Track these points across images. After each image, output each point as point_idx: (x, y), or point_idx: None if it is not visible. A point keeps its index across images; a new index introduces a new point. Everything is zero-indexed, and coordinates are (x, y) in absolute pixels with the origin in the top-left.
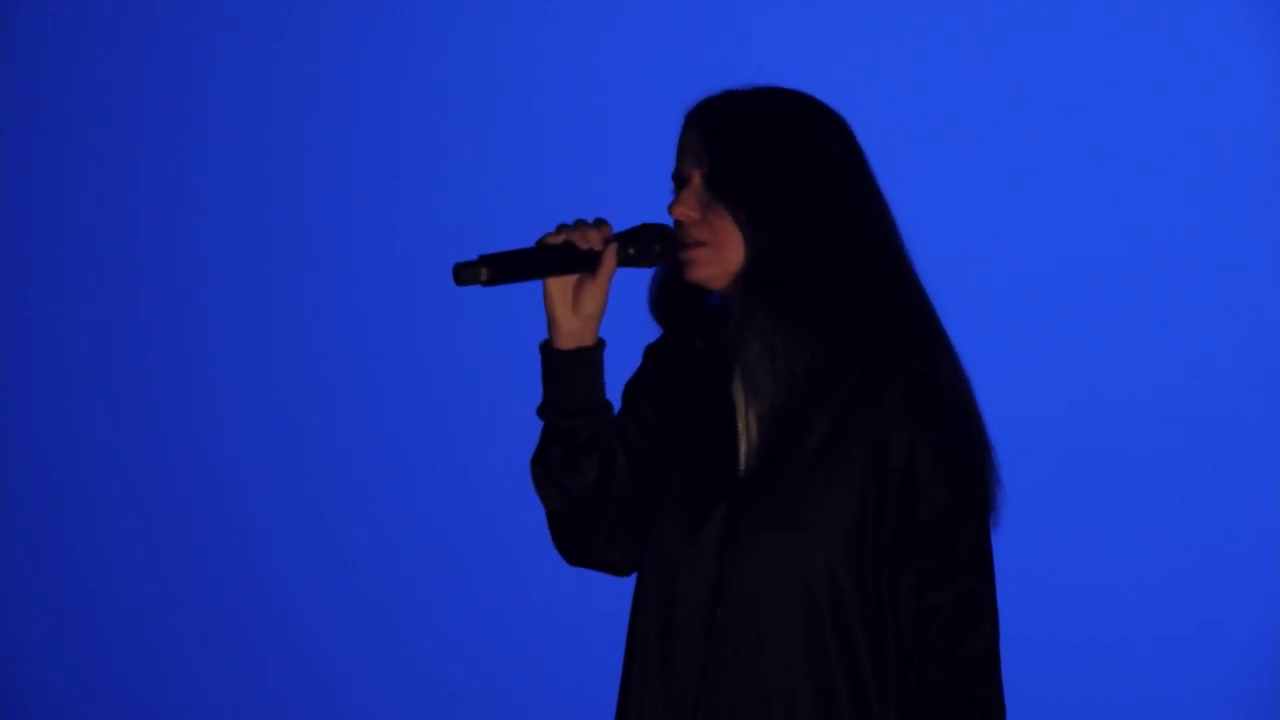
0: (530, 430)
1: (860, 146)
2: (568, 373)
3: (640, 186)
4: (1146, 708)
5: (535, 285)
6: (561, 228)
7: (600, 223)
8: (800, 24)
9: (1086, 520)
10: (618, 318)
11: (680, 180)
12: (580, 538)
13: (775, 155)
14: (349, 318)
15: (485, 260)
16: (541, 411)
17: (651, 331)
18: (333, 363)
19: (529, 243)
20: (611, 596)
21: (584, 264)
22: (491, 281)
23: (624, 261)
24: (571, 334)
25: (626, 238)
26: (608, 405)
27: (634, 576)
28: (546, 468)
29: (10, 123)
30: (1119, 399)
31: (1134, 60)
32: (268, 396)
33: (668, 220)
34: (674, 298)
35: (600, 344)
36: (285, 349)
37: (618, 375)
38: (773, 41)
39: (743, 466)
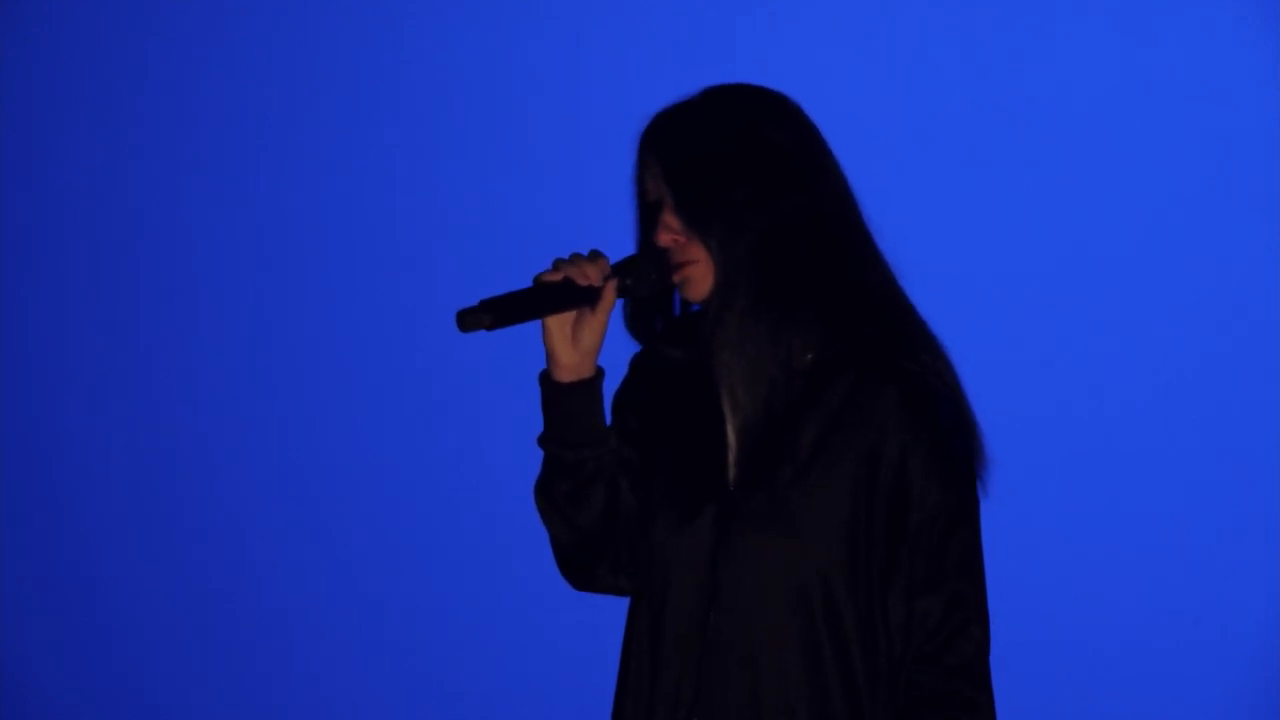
0: (531, 426)
1: (814, 127)
2: (569, 406)
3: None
4: (1145, 710)
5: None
6: (559, 264)
7: (596, 256)
8: (800, 23)
9: (1084, 521)
10: (610, 328)
11: (654, 204)
12: (588, 564)
13: (728, 170)
14: (346, 318)
15: (487, 305)
16: (544, 443)
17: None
18: (330, 363)
19: (528, 242)
20: (611, 596)
21: (584, 300)
22: (495, 326)
23: (622, 293)
24: (571, 367)
25: (623, 269)
26: (609, 433)
27: None
28: (553, 501)
29: (10, 123)
30: (1118, 399)
31: (1134, 60)
32: (269, 399)
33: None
34: (650, 313)
35: (600, 374)
36: (285, 351)
37: (610, 384)
38: (771, 41)
39: (732, 470)
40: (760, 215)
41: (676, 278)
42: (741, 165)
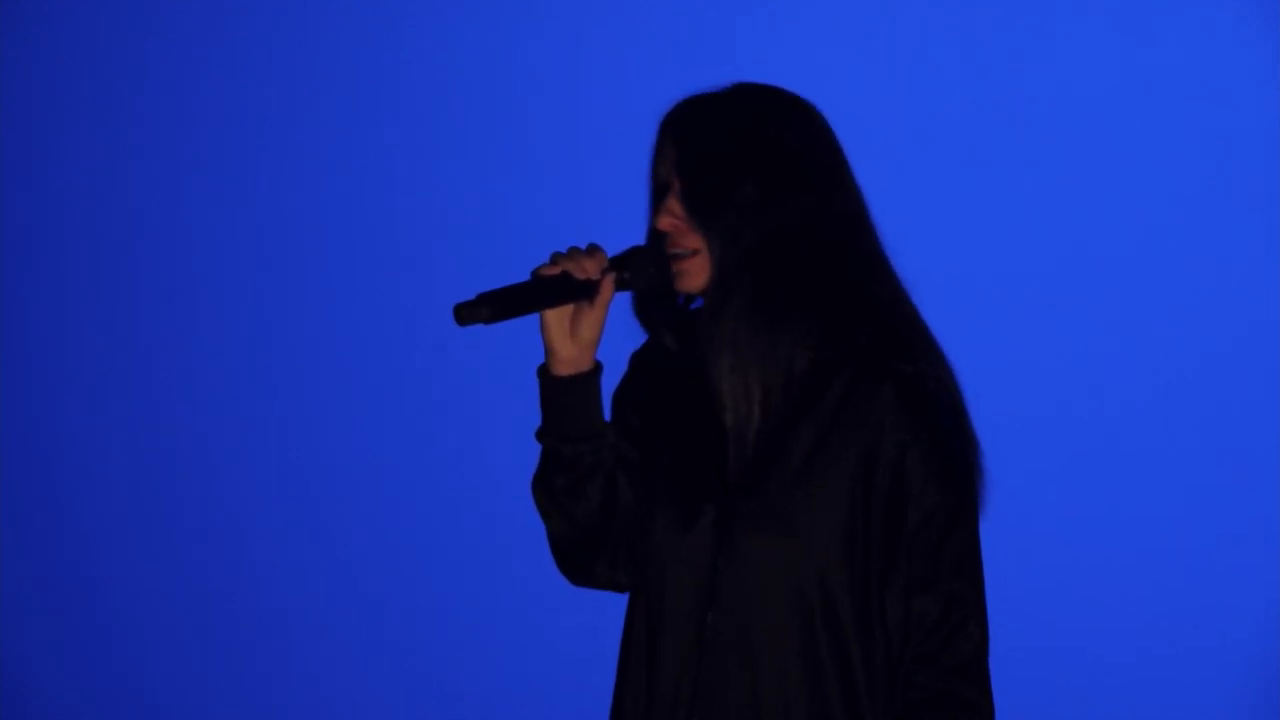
0: (530, 421)
1: (834, 136)
2: (567, 399)
3: (631, 184)
4: (1145, 714)
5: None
6: (556, 257)
7: (594, 249)
8: (800, 23)
9: (1083, 523)
10: (609, 324)
11: (662, 186)
12: (585, 560)
13: (741, 166)
14: (346, 317)
15: (485, 299)
16: (542, 437)
17: (640, 337)
18: (329, 362)
19: (528, 241)
20: (611, 594)
21: (582, 293)
22: (493, 319)
23: (620, 286)
24: (569, 361)
25: (621, 263)
26: (607, 428)
27: None
28: (551, 495)
29: (10, 123)
30: (1118, 399)
31: (1134, 60)
32: (268, 398)
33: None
34: (652, 306)
35: (598, 367)
36: (285, 350)
37: (609, 381)
38: (771, 41)
39: (731, 470)
40: (763, 214)
41: (673, 267)
42: (749, 163)
